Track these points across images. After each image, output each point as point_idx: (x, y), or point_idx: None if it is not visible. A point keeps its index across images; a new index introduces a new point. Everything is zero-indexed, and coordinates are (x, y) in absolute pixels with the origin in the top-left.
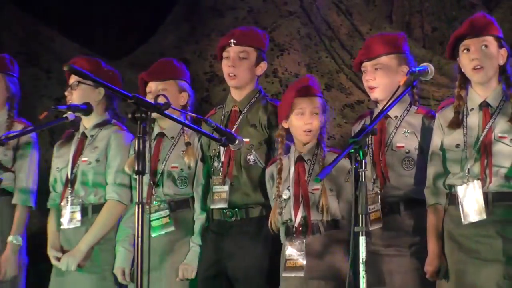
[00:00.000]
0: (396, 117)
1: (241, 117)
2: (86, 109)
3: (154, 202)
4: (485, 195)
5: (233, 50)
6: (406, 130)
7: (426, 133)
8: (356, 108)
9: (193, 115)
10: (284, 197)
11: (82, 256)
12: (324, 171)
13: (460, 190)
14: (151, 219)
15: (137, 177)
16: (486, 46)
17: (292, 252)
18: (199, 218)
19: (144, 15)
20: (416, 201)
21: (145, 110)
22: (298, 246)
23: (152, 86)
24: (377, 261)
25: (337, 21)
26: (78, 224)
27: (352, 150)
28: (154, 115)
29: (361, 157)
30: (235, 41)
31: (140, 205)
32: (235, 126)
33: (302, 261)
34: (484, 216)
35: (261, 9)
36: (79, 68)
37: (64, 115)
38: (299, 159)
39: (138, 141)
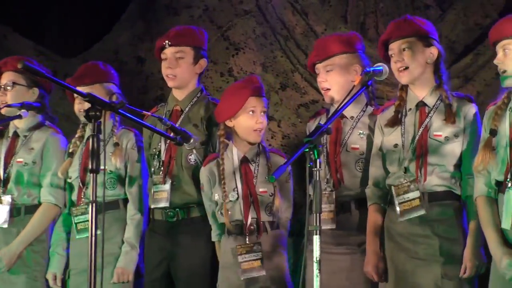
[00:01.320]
0: (352, 117)
1: (182, 116)
2: (40, 107)
3: (81, 205)
4: (422, 194)
5: (169, 51)
6: (361, 132)
7: (379, 133)
8: (310, 108)
9: (148, 113)
10: (231, 198)
11: (15, 256)
12: (280, 169)
13: (397, 190)
14: (76, 221)
15: (90, 175)
16: (408, 47)
17: (245, 254)
18: (133, 219)
19: (99, 12)
20: (365, 201)
21: (99, 109)
22: (252, 248)
23: None
24: (328, 259)
25: (292, 21)
26: (5, 225)
27: (307, 149)
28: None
29: (316, 156)
30: (170, 42)
31: (93, 204)
32: (177, 125)
33: (259, 262)
34: (422, 212)
35: (217, 8)
36: (33, 65)
37: (18, 113)
38: (244, 160)
39: (92, 139)
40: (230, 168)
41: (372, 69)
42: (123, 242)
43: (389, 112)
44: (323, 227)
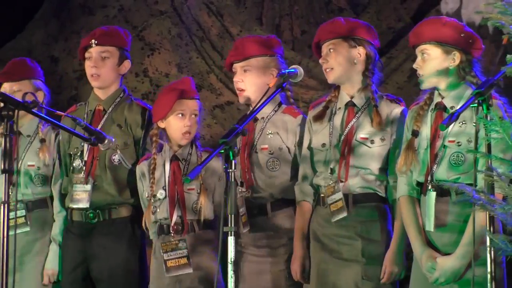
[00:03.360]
0: (262, 118)
1: (105, 116)
2: None
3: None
4: (346, 196)
5: (94, 51)
6: (270, 131)
7: (290, 132)
8: (226, 109)
9: (62, 113)
10: (160, 196)
11: None
12: (194, 171)
13: (324, 190)
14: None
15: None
16: (333, 49)
17: (170, 252)
18: (59, 216)
19: (13, 10)
20: (284, 201)
21: (12, 108)
22: (177, 245)
23: (7, 87)
24: (247, 261)
25: (208, 22)
26: None
27: (222, 151)
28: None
29: (231, 158)
30: (96, 42)
31: (4, 205)
32: (99, 126)
33: (185, 259)
34: (345, 214)
35: (132, 8)
36: None
37: None
38: (174, 159)
39: (5, 139)
40: (161, 167)
41: (287, 71)
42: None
43: (319, 108)
44: (239, 230)
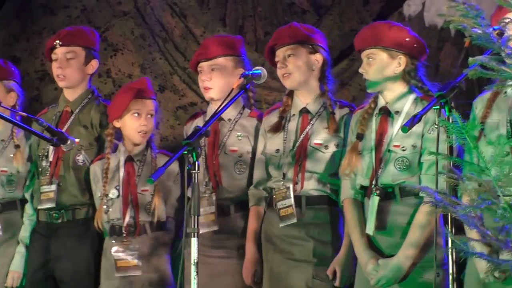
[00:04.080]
0: (229, 120)
1: (72, 117)
2: None
3: None
4: (298, 198)
5: (60, 51)
6: (239, 134)
7: (257, 136)
8: (189, 110)
9: (24, 114)
10: (112, 196)
11: None
12: (158, 172)
13: (276, 194)
14: None
15: None
16: (292, 54)
17: (121, 252)
18: (30, 218)
19: None
20: (246, 204)
21: None
22: (128, 245)
23: None
24: (206, 263)
25: (171, 23)
26: None
27: (186, 152)
28: None
29: (194, 159)
30: (60, 42)
31: None
32: (65, 127)
33: (135, 261)
34: (294, 220)
35: (95, 8)
36: None
37: None
38: (129, 159)
39: None
40: (115, 167)
41: (250, 72)
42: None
43: (274, 116)
44: (205, 230)
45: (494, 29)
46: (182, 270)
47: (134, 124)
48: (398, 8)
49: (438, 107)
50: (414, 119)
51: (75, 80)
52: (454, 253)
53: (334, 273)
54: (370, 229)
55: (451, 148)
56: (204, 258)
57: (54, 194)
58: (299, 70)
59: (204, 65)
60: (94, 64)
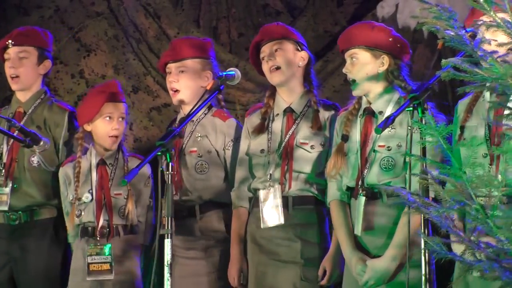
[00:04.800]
0: (192, 121)
1: (25, 118)
2: None
3: None
4: (285, 199)
5: (12, 51)
6: (199, 134)
7: (219, 136)
8: (163, 111)
9: None
10: (85, 200)
11: None
12: (131, 173)
13: (262, 194)
14: None
15: None
16: (280, 48)
17: (95, 255)
18: None
19: None
20: (214, 204)
21: None
22: (102, 249)
23: None
24: (177, 264)
25: (145, 24)
26: None
27: (159, 153)
28: None
29: (168, 160)
30: (13, 42)
31: None
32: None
33: (109, 265)
34: (282, 221)
35: (68, 9)
36: None
37: None
38: (101, 163)
39: None
40: (87, 170)
41: (224, 73)
42: None
43: (256, 117)
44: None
45: (466, 31)
46: (155, 271)
47: (106, 128)
48: (372, 10)
49: (411, 108)
50: (388, 120)
51: (29, 80)
52: (427, 254)
53: (324, 272)
54: (357, 230)
55: (424, 149)
56: (174, 260)
57: (7, 197)
58: (286, 65)
59: (172, 66)
60: (47, 64)
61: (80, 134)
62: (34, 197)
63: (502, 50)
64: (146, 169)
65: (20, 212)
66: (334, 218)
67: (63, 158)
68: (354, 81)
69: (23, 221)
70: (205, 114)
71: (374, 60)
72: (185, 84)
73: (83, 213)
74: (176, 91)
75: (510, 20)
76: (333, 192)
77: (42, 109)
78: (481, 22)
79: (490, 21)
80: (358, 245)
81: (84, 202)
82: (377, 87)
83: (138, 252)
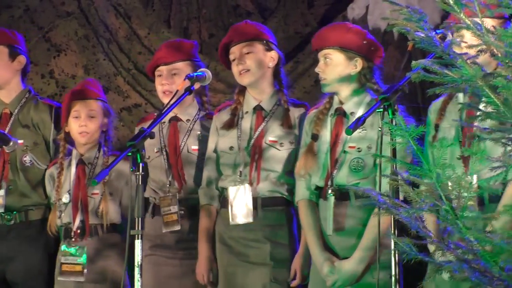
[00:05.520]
0: (188, 120)
1: (12, 119)
2: None
3: None
4: (255, 200)
5: None
6: (199, 133)
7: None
8: (133, 112)
9: None
10: (65, 201)
11: None
12: (101, 174)
13: (231, 192)
14: None
15: None
16: (249, 50)
17: (69, 256)
18: None
19: None
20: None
21: None
22: (77, 251)
23: None
24: (162, 265)
25: (115, 24)
26: None
27: (130, 153)
28: None
29: (139, 160)
30: None
31: None
32: (7, 129)
33: (81, 267)
34: (250, 219)
35: (38, 9)
36: None
37: None
38: (81, 163)
39: None
40: (68, 171)
41: (195, 74)
42: None
43: (225, 114)
44: (167, 230)
45: (437, 32)
46: (125, 271)
47: (75, 126)
48: (342, 11)
49: (381, 110)
50: (358, 122)
51: (4, 77)
52: (397, 255)
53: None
54: (329, 229)
55: (394, 150)
56: (159, 260)
57: (3, 199)
58: (256, 67)
59: (163, 69)
60: (21, 60)
61: (61, 135)
62: (29, 196)
63: (472, 52)
64: (127, 167)
65: (15, 212)
66: (302, 218)
67: (54, 155)
68: (325, 79)
69: (18, 221)
70: (198, 115)
71: (348, 62)
72: (177, 86)
73: (63, 214)
74: (169, 93)
75: (479, 22)
76: (302, 192)
77: (28, 109)
78: (452, 23)
79: (460, 23)
80: (327, 246)
81: (64, 203)
82: (349, 88)
83: (118, 251)
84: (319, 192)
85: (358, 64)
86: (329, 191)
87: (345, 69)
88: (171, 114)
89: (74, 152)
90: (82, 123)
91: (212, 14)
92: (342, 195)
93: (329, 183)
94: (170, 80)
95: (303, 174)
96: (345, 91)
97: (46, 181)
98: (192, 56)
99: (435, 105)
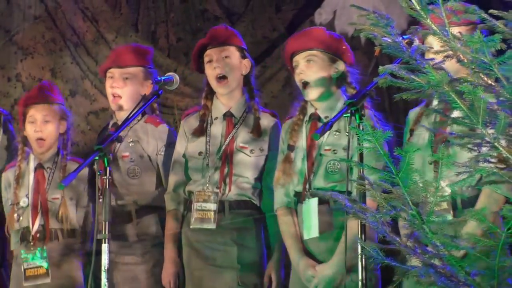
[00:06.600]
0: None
1: None
2: None
3: None
4: (222, 203)
5: None
6: (131, 140)
7: (151, 141)
8: (100, 115)
9: None
10: (23, 204)
11: None
12: (69, 177)
13: (196, 196)
14: None
15: None
16: (227, 55)
17: (30, 261)
18: None
19: None
20: (150, 208)
21: None
22: (36, 254)
23: None
24: (117, 269)
25: (82, 27)
26: None
27: (97, 157)
28: None
29: (106, 164)
30: None
31: None
32: None
33: (45, 269)
34: (213, 226)
35: (5, 12)
36: None
37: None
38: (39, 167)
39: None
40: (26, 175)
41: (163, 78)
42: None
43: (194, 119)
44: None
45: (403, 38)
46: (92, 277)
47: (31, 131)
48: (310, 16)
49: (349, 114)
50: (326, 126)
51: None
52: (364, 260)
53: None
54: (307, 234)
55: (361, 155)
56: (114, 264)
57: None
58: (234, 74)
59: (115, 72)
60: None
61: (19, 138)
62: None
63: (438, 57)
64: (87, 172)
65: None
66: (281, 225)
67: (3, 163)
68: (307, 83)
69: None
70: (138, 120)
71: (330, 64)
72: (128, 91)
73: (21, 218)
74: (119, 96)
75: (446, 27)
76: (280, 199)
77: None
78: (418, 29)
79: (427, 29)
80: (305, 250)
81: (22, 207)
82: (327, 91)
83: (80, 255)
84: (298, 198)
85: (340, 67)
86: (308, 195)
87: (327, 71)
88: (114, 120)
89: (32, 155)
90: (38, 128)
91: (180, 18)
92: (321, 199)
93: (307, 187)
94: (121, 83)
95: (282, 183)
96: (323, 94)
97: (1, 185)
98: (146, 63)
99: (413, 112)
